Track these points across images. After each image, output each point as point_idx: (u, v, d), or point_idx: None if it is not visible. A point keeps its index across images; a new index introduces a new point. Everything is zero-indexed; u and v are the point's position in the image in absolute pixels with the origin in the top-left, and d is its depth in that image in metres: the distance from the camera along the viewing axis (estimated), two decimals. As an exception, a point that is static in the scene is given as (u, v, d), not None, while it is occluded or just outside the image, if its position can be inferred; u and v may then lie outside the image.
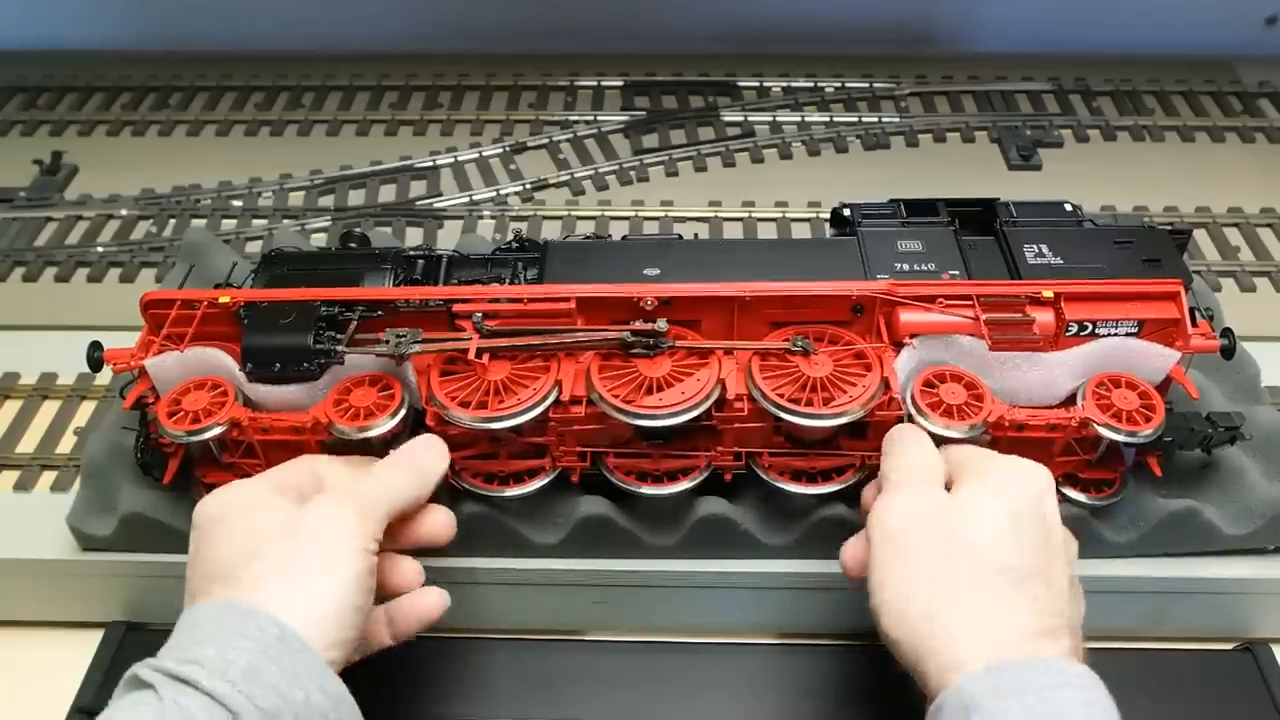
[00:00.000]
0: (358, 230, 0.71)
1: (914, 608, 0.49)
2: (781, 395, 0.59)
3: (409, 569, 0.58)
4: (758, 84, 1.20)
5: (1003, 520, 0.51)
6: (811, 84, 1.20)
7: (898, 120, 1.14)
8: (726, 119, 1.15)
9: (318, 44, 1.27)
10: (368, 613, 0.52)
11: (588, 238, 0.76)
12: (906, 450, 0.56)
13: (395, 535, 0.57)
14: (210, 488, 0.64)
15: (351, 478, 0.57)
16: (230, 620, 0.48)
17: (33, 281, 0.97)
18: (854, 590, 0.55)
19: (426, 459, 0.58)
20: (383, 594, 0.57)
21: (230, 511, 0.53)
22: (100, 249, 1.00)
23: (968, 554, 0.50)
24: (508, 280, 0.65)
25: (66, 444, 0.80)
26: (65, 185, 1.08)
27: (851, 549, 0.56)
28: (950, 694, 0.46)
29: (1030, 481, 0.53)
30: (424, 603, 0.57)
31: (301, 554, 0.50)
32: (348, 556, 0.51)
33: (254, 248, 0.99)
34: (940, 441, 0.58)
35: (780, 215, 1.02)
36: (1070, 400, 0.61)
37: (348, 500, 0.53)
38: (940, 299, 0.61)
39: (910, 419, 0.60)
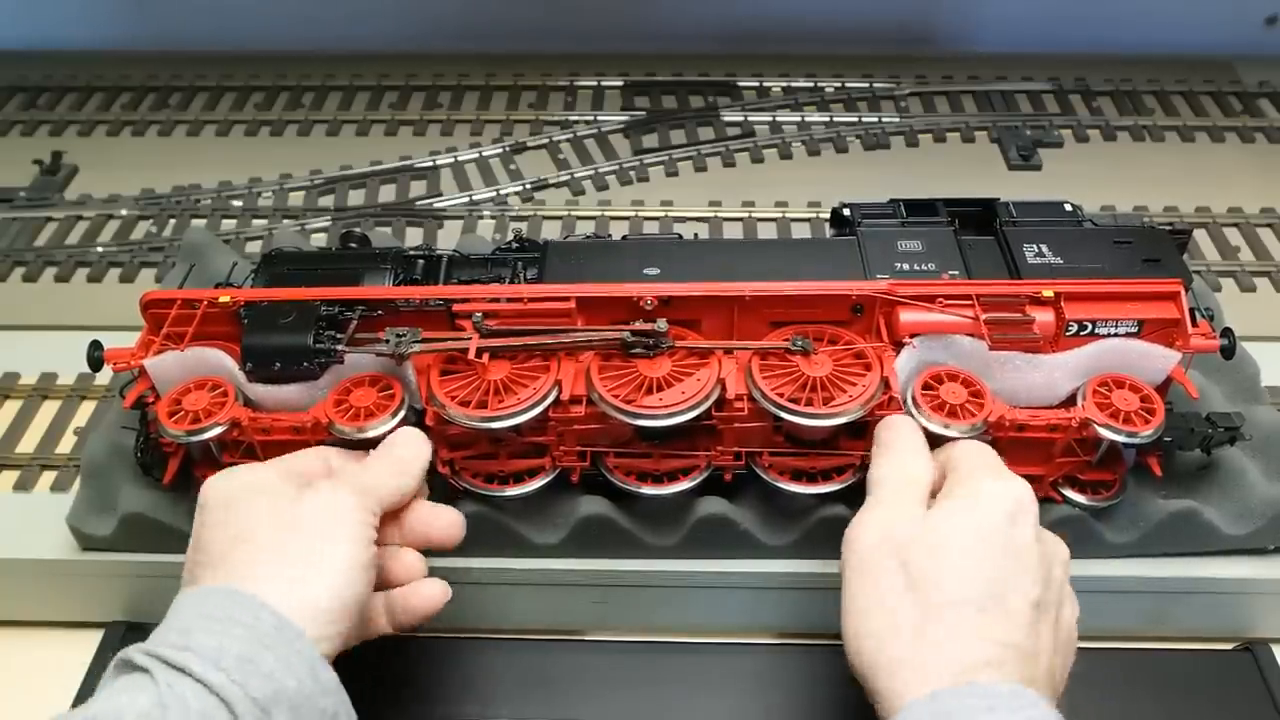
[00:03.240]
0: (358, 230, 0.71)
1: (868, 636, 0.49)
2: (781, 395, 0.59)
3: (412, 560, 0.57)
4: (758, 84, 1.20)
5: (963, 548, 0.50)
6: (811, 84, 1.20)
7: (898, 120, 1.14)
8: (726, 119, 1.15)
9: (318, 44, 1.27)
10: (366, 602, 0.52)
11: (588, 238, 0.76)
12: (896, 451, 0.56)
13: (402, 533, 0.58)
14: (210, 488, 0.64)
15: (358, 469, 0.57)
16: (227, 607, 0.47)
17: (33, 281, 0.97)
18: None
19: (404, 452, 0.58)
20: (386, 585, 0.57)
21: (235, 495, 0.53)
22: (100, 249, 1.00)
23: (923, 585, 0.49)
24: (508, 280, 0.65)
25: (66, 444, 0.80)
26: (65, 185, 1.08)
27: None
28: None
29: (1001, 501, 0.51)
30: (425, 592, 0.57)
31: (300, 541, 0.50)
32: (347, 545, 0.51)
33: (254, 248, 0.99)
34: (940, 441, 0.58)
35: (780, 215, 1.02)
36: (1070, 401, 0.61)
37: (346, 488, 0.53)
38: (940, 298, 0.61)
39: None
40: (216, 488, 0.53)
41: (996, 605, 0.49)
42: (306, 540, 0.51)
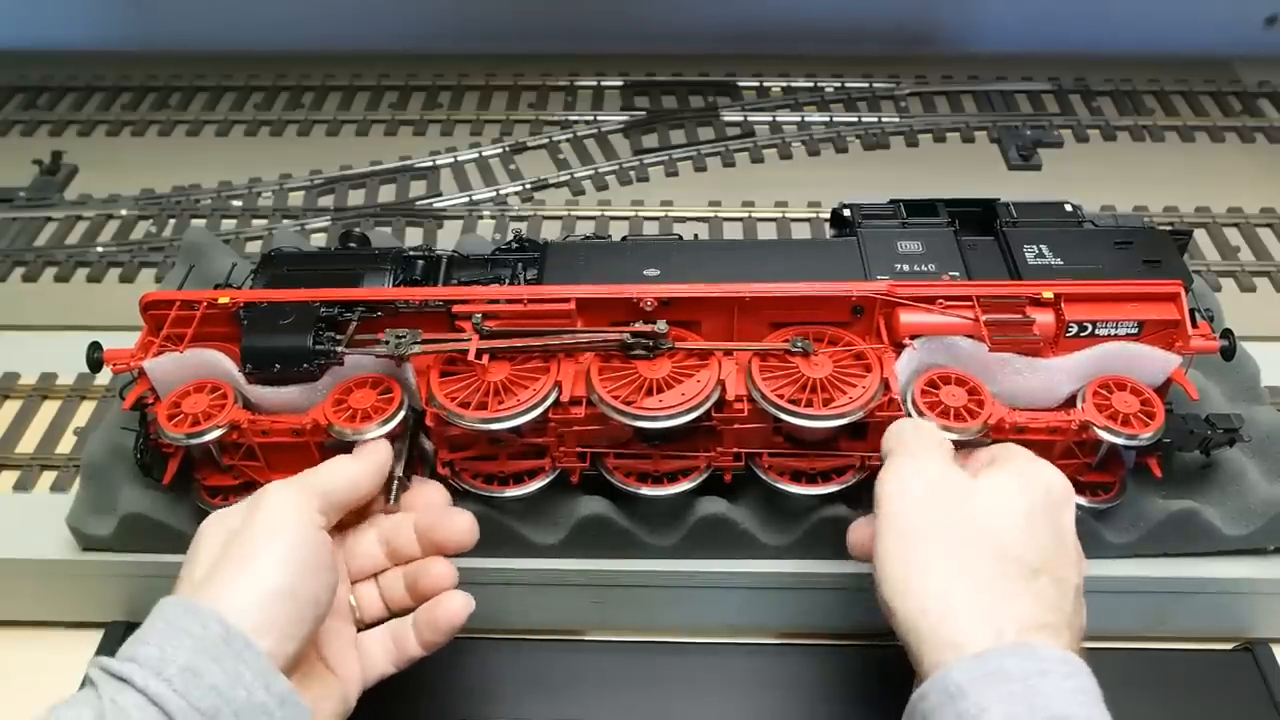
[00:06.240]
0: (358, 230, 0.71)
1: (918, 582, 0.49)
2: (781, 396, 0.59)
3: (441, 570, 0.57)
4: (758, 84, 1.20)
5: (1022, 513, 0.51)
6: (811, 84, 1.20)
7: (898, 120, 1.14)
8: (726, 119, 1.15)
9: (318, 44, 1.27)
10: (316, 598, 0.51)
11: (588, 238, 0.76)
12: (912, 426, 0.56)
13: (416, 537, 0.58)
14: (210, 490, 0.64)
15: (310, 469, 0.57)
16: (176, 617, 0.47)
17: (33, 281, 0.97)
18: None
19: (363, 450, 0.58)
20: (418, 601, 0.57)
21: (210, 524, 0.53)
22: (100, 249, 1.00)
23: (981, 537, 0.50)
24: (507, 281, 0.65)
25: (66, 444, 0.80)
26: (65, 185, 1.08)
27: (859, 531, 0.56)
28: (937, 679, 0.46)
29: (1054, 486, 0.53)
30: (448, 606, 0.56)
31: (238, 544, 0.50)
32: (280, 535, 0.50)
33: (254, 248, 0.99)
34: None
35: (780, 215, 1.02)
36: (1070, 403, 0.61)
37: (288, 487, 0.53)
38: (940, 300, 0.61)
39: (910, 420, 0.60)
40: (203, 524, 0.54)
41: (1055, 575, 0.50)
42: (244, 541, 0.50)
